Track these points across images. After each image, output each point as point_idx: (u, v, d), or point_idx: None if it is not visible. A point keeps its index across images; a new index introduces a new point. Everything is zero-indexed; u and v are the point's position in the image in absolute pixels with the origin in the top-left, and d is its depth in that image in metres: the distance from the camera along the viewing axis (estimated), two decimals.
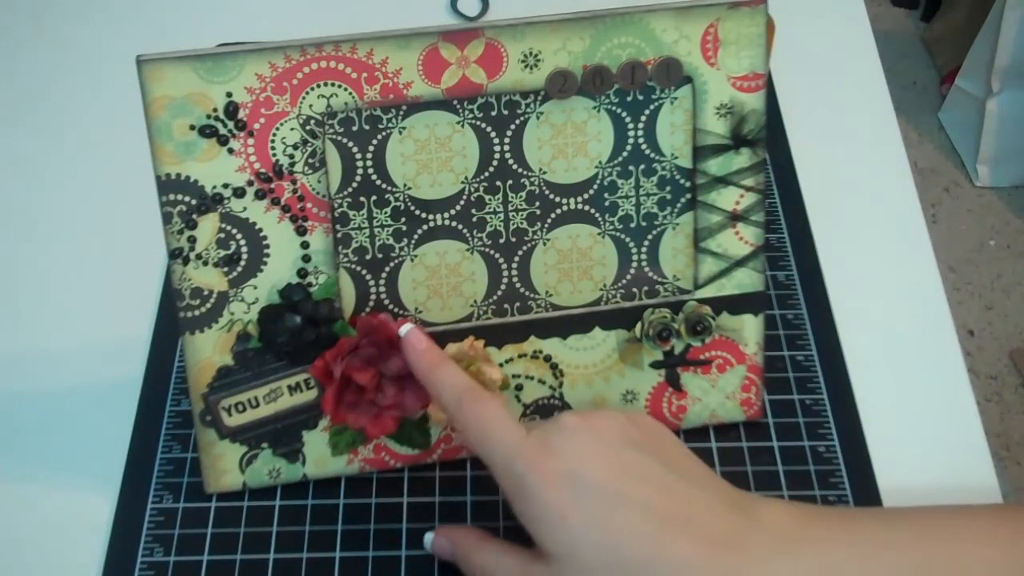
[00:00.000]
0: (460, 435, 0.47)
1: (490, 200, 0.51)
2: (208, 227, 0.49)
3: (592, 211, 0.52)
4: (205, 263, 0.50)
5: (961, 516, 0.45)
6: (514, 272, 0.53)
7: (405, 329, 0.50)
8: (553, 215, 0.52)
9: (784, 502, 0.45)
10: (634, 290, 0.54)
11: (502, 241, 0.52)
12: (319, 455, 0.54)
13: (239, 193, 0.49)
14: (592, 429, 0.44)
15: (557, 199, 0.52)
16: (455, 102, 0.49)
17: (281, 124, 0.48)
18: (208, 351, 0.51)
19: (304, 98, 0.48)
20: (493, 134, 0.50)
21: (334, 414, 0.52)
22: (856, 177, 0.71)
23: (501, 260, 0.52)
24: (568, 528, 0.42)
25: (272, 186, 0.49)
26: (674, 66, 0.50)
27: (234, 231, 0.49)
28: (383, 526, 0.53)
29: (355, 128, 0.49)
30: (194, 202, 0.49)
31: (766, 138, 0.52)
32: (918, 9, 2.14)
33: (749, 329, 0.55)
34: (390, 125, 0.49)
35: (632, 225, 0.53)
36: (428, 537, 0.50)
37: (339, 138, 0.49)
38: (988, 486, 0.55)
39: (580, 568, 0.43)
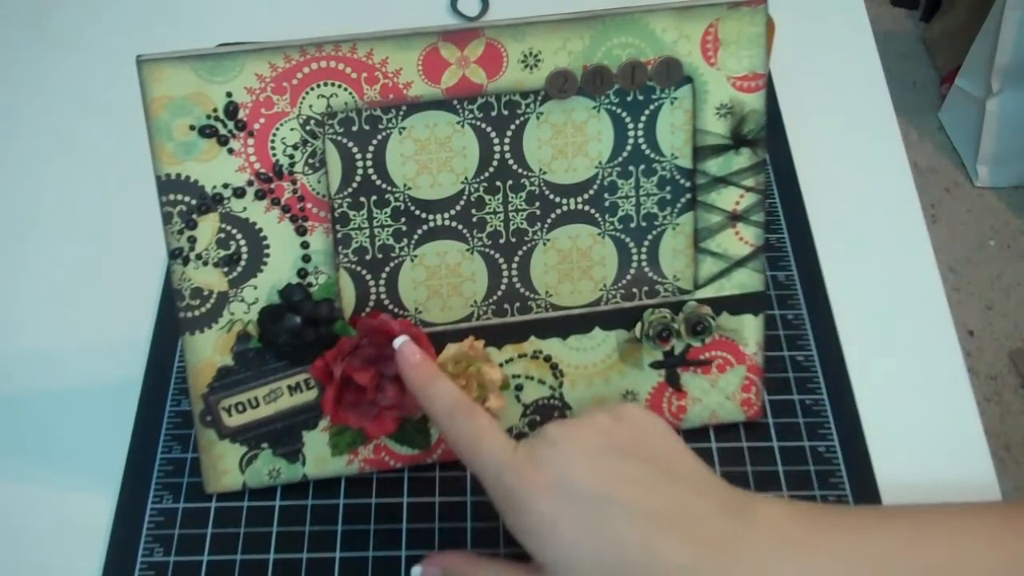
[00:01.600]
0: (451, 448, 0.46)
1: (490, 200, 0.51)
2: (208, 227, 0.49)
3: (592, 211, 0.52)
4: (205, 263, 0.50)
5: (963, 514, 0.45)
6: (514, 272, 0.53)
7: (399, 342, 0.50)
8: (553, 215, 0.52)
9: (782, 501, 0.45)
10: (634, 290, 0.54)
11: (502, 241, 0.52)
12: (319, 455, 0.54)
13: (239, 193, 0.49)
14: (577, 438, 0.44)
15: (557, 199, 0.52)
16: (455, 102, 0.49)
17: (281, 124, 0.48)
18: (208, 351, 0.51)
19: (304, 98, 0.48)
20: (493, 134, 0.50)
21: (334, 414, 0.52)
22: (856, 177, 0.71)
23: (501, 260, 0.52)
24: (560, 537, 0.42)
25: (272, 186, 0.49)
26: (674, 66, 0.50)
27: (234, 231, 0.49)
28: (383, 526, 0.53)
29: (355, 128, 0.49)
30: (194, 202, 0.49)
31: (766, 138, 0.52)
32: (918, 9, 2.14)
33: (749, 329, 0.55)
34: (390, 125, 0.49)
35: (632, 225, 0.53)
36: (416, 572, 0.48)
37: (339, 138, 0.49)
38: (988, 486, 0.55)
39: None
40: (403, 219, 0.51)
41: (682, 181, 0.52)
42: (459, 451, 0.46)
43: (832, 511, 0.45)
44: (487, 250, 0.52)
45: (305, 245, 0.50)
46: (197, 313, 0.50)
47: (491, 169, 0.51)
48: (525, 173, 0.51)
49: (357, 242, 0.51)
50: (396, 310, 0.52)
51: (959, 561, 0.43)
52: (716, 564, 0.42)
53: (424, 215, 0.51)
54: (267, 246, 0.50)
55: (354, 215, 0.50)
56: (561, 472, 0.43)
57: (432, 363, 0.49)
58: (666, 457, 0.45)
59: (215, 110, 0.48)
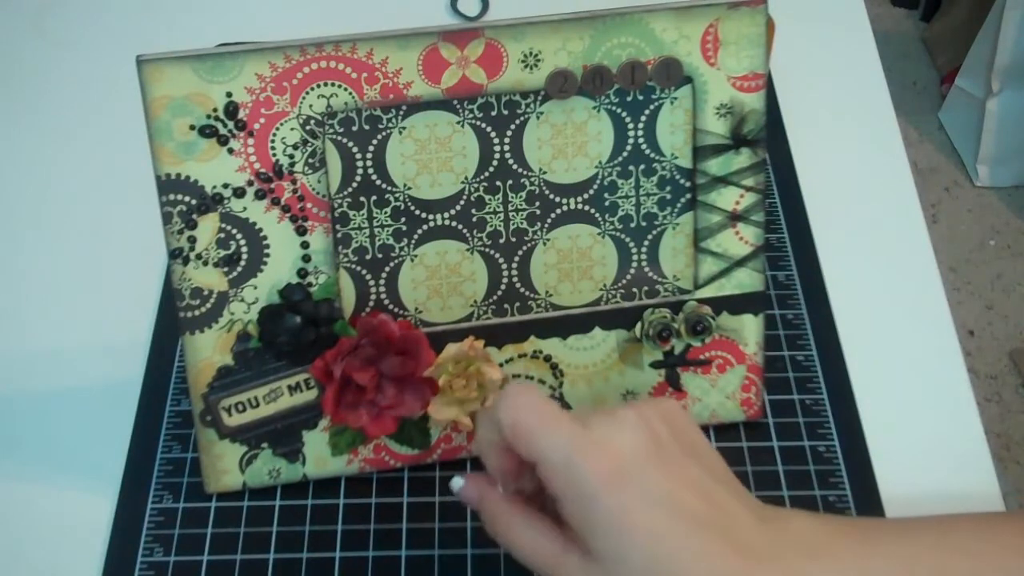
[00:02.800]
0: (508, 420, 0.45)
1: (490, 200, 0.51)
2: (208, 227, 0.49)
3: (592, 211, 0.52)
4: (205, 263, 0.50)
5: (985, 525, 0.45)
6: (514, 272, 0.53)
7: (456, 485, 0.47)
8: (553, 215, 0.52)
9: (806, 514, 0.45)
10: (634, 290, 0.54)
11: (502, 241, 0.52)
12: (319, 455, 0.54)
13: (239, 193, 0.49)
14: (648, 427, 0.43)
15: (557, 199, 0.52)
16: (455, 102, 0.49)
17: (281, 124, 0.48)
18: (208, 351, 0.51)
19: (304, 98, 0.48)
20: (493, 134, 0.50)
21: (334, 414, 0.52)
22: (856, 177, 0.71)
23: (501, 260, 0.52)
24: (624, 536, 0.41)
25: (272, 186, 0.49)
26: (674, 66, 0.50)
27: (234, 231, 0.49)
28: (383, 526, 0.53)
29: (355, 128, 0.49)
30: (194, 202, 0.49)
31: (766, 138, 0.52)
32: (918, 9, 2.14)
33: (749, 329, 0.55)
34: (390, 125, 0.49)
35: (632, 225, 0.53)
36: (457, 482, 0.47)
37: (339, 138, 0.49)
38: (988, 486, 0.55)
39: (625, 572, 0.41)
40: (403, 219, 0.51)
41: (682, 181, 0.52)
42: (517, 431, 0.43)
43: (856, 525, 0.45)
44: (487, 250, 0.52)
45: (305, 245, 0.50)
46: (197, 313, 0.50)
47: (491, 169, 0.51)
48: (525, 173, 0.51)
49: (357, 242, 0.51)
50: (396, 310, 0.52)
51: (981, 571, 0.43)
52: (759, 574, 0.42)
53: (424, 215, 0.51)
54: (267, 246, 0.50)
55: (354, 215, 0.50)
56: (635, 466, 0.42)
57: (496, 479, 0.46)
58: (704, 454, 0.44)
59: (215, 110, 0.48)
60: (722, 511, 0.42)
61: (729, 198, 0.53)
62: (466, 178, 0.51)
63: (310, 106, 0.48)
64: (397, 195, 0.50)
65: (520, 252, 0.52)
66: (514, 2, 0.82)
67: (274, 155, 0.49)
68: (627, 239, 0.53)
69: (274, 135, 0.48)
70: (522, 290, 0.53)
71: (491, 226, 0.52)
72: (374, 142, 0.49)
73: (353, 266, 0.51)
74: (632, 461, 0.42)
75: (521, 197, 0.51)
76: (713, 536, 0.42)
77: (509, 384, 0.46)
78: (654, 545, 0.41)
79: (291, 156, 0.49)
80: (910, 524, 0.46)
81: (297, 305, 0.51)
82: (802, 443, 0.56)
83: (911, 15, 2.15)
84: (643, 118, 0.51)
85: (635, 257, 0.53)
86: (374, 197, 0.50)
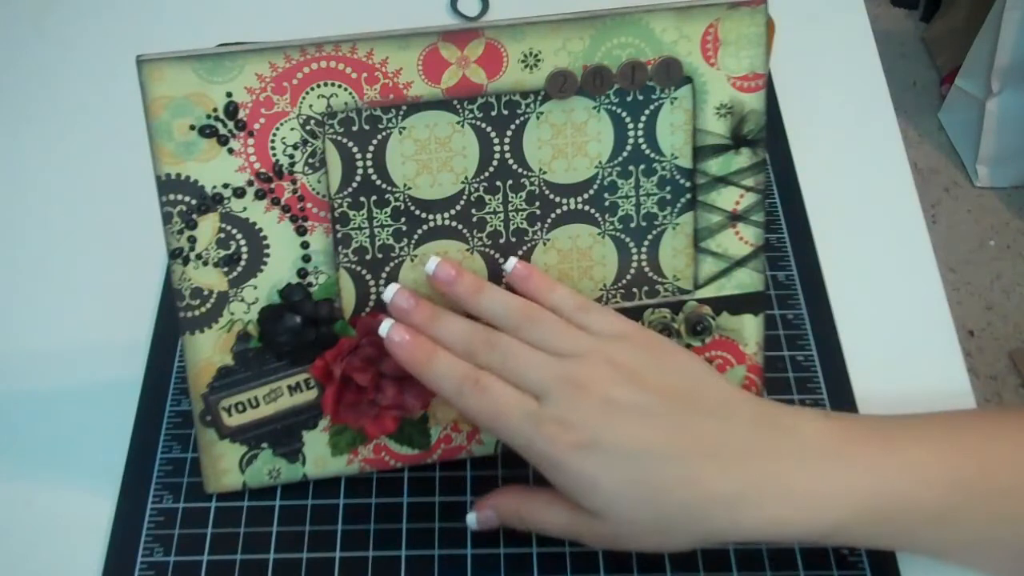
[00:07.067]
0: (471, 416, 0.47)
1: (490, 200, 0.51)
2: (208, 227, 0.49)
3: (592, 211, 0.52)
4: (205, 263, 0.50)
5: (994, 421, 0.48)
6: None
7: (385, 328, 0.48)
8: (553, 215, 0.52)
9: (811, 411, 0.46)
10: (634, 290, 0.54)
11: (502, 241, 0.52)
12: (319, 455, 0.54)
13: (239, 193, 0.49)
14: (597, 390, 0.45)
15: (557, 199, 0.52)
16: (455, 102, 0.49)
17: (281, 124, 0.48)
18: (208, 351, 0.51)
19: (304, 98, 0.48)
20: (493, 134, 0.50)
21: (334, 414, 0.52)
22: (856, 177, 0.71)
23: (501, 260, 0.52)
24: (602, 492, 0.44)
25: (272, 186, 0.49)
26: (674, 66, 0.50)
27: (234, 231, 0.49)
28: (383, 526, 0.53)
29: (355, 128, 0.49)
30: (194, 202, 0.49)
31: (766, 138, 0.52)
32: (918, 9, 2.14)
33: (749, 329, 0.55)
34: (390, 125, 0.49)
35: (632, 225, 0.53)
36: (471, 518, 0.50)
37: (339, 138, 0.49)
38: None
39: (622, 521, 0.44)
40: (403, 219, 0.51)
41: (682, 181, 0.52)
42: (480, 425, 0.47)
43: (864, 422, 0.47)
44: (487, 250, 0.52)
45: (305, 245, 0.50)
46: (197, 313, 0.50)
47: (491, 169, 0.51)
48: (525, 173, 0.51)
49: (357, 242, 0.51)
50: None
51: (989, 466, 0.45)
52: (758, 484, 0.43)
53: (424, 215, 0.51)
54: (267, 246, 0.50)
55: (354, 215, 0.50)
56: (592, 433, 0.44)
57: (425, 340, 0.48)
58: (689, 381, 0.46)
59: (215, 110, 0.48)
60: (705, 437, 0.44)
61: (729, 198, 0.53)
62: (466, 178, 0.51)
63: (310, 106, 0.48)
64: (397, 195, 0.50)
65: (520, 252, 0.52)
66: (514, 2, 0.82)
67: (274, 155, 0.49)
68: (627, 239, 0.53)
69: (274, 135, 0.48)
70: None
71: (491, 226, 0.52)
72: (374, 142, 0.49)
73: (353, 266, 0.51)
74: (591, 428, 0.44)
75: (521, 197, 0.51)
76: (699, 466, 0.44)
77: (466, 381, 0.47)
78: (634, 493, 0.44)
79: (291, 156, 0.49)
80: (917, 423, 0.47)
81: (297, 305, 0.51)
82: None
83: (911, 15, 2.15)
84: (643, 118, 0.51)
85: (635, 257, 0.53)
86: (374, 197, 0.50)
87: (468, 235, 0.52)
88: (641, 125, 0.51)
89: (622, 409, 0.45)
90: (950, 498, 0.44)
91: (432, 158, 0.50)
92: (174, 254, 0.49)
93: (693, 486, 0.43)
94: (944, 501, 0.44)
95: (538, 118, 0.50)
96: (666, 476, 0.44)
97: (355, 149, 0.49)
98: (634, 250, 0.53)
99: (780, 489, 0.43)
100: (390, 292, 0.50)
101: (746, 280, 0.54)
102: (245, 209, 0.49)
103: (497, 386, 0.46)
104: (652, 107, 0.51)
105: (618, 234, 0.53)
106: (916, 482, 0.44)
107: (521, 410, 0.45)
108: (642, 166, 0.52)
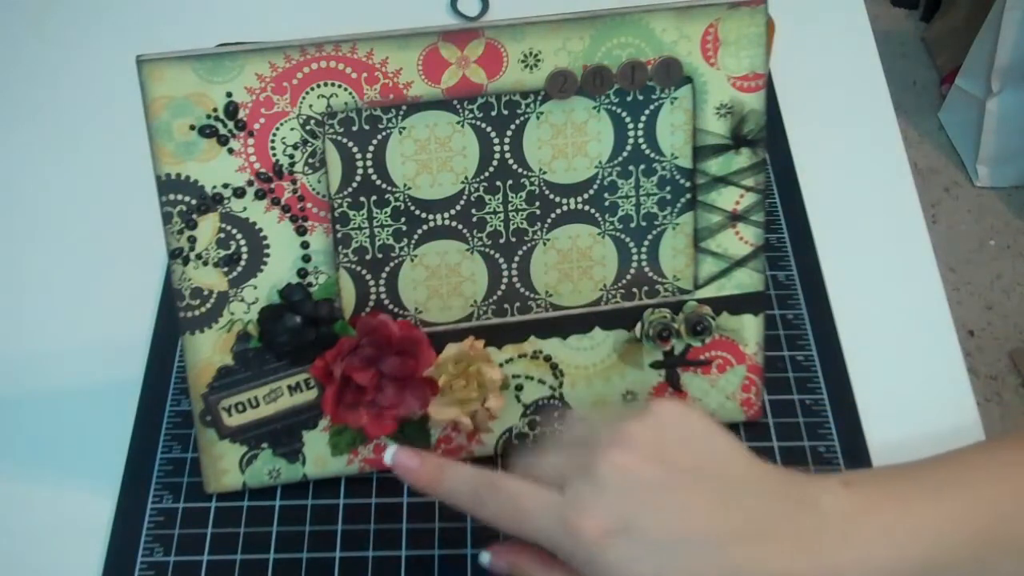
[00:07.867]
0: (492, 522, 0.45)
1: (490, 200, 0.51)
2: (208, 227, 0.49)
3: (592, 211, 0.52)
4: (205, 263, 0.50)
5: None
6: (514, 272, 0.53)
7: (389, 455, 0.47)
8: (553, 215, 0.52)
9: (834, 480, 0.44)
10: (634, 290, 0.54)
11: (502, 241, 0.52)
12: (319, 455, 0.54)
13: (239, 193, 0.49)
14: (624, 467, 0.42)
15: (557, 199, 0.52)
16: (455, 102, 0.49)
17: (281, 124, 0.48)
18: (208, 351, 0.51)
19: (304, 98, 0.48)
20: (493, 134, 0.50)
21: (334, 414, 0.52)
22: (856, 177, 0.71)
23: (501, 260, 0.52)
24: None
25: (272, 186, 0.49)
26: (674, 66, 0.50)
27: (234, 231, 0.49)
28: (383, 526, 0.53)
29: (355, 128, 0.49)
30: (194, 202, 0.49)
31: (766, 138, 0.52)
32: (918, 9, 2.14)
33: (749, 329, 0.55)
34: (390, 125, 0.49)
35: (632, 225, 0.53)
36: (485, 557, 0.47)
37: (339, 138, 0.49)
38: None
39: None
40: (403, 219, 0.51)
41: (682, 181, 0.52)
42: (504, 528, 0.44)
43: (879, 484, 0.45)
44: (487, 250, 0.52)
45: (305, 245, 0.50)
46: (197, 313, 0.50)
47: (491, 169, 0.51)
48: (525, 173, 0.51)
49: (357, 242, 0.51)
50: (396, 310, 0.52)
51: (1006, 507, 0.44)
52: (787, 567, 0.42)
53: (424, 215, 0.51)
54: (267, 246, 0.50)
55: (354, 215, 0.50)
56: (622, 517, 0.41)
57: (432, 458, 0.46)
58: (712, 455, 0.44)
59: (215, 110, 0.48)
60: (741, 517, 0.42)
61: (729, 198, 0.53)
62: (466, 178, 0.51)
63: (310, 106, 0.48)
64: (397, 195, 0.50)
65: (520, 252, 0.52)
66: (514, 2, 0.82)
67: (274, 155, 0.49)
68: (627, 239, 0.53)
69: (274, 135, 0.48)
70: (522, 290, 0.53)
71: (491, 226, 0.52)
72: (374, 142, 0.49)
73: (353, 266, 0.51)
74: (621, 514, 0.42)
75: (521, 197, 0.51)
76: (740, 552, 0.42)
77: (482, 486, 0.44)
78: None
79: (291, 156, 0.49)
80: (929, 473, 0.46)
81: (297, 305, 0.51)
82: (802, 443, 0.56)
83: (911, 15, 2.15)
84: (643, 118, 0.51)
85: (635, 257, 0.53)
86: (374, 197, 0.50)
87: (468, 235, 0.52)
88: (641, 125, 0.51)
89: (652, 487, 0.42)
90: (973, 551, 0.43)
91: (432, 158, 0.50)
92: (174, 254, 0.49)
93: (732, 568, 0.41)
94: (968, 554, 0.43)
95: (538, 118, 0.50)
96: (709, 565, 0.41)
97: (355, 149, 0.49)
98: (634, 250, 0.53)
99: (806, 566, 0.42)
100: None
101: (746, 280, 0.54)
102: (245, 209, 0.49)
103: (514, 485, 0.44)
104: (652, 107, 0.51)
105: (618, 234, 0.53)
106: (932, 545, 0.43)
107: (541, 502, 0.43)
108: (642, 166, 0.52)
